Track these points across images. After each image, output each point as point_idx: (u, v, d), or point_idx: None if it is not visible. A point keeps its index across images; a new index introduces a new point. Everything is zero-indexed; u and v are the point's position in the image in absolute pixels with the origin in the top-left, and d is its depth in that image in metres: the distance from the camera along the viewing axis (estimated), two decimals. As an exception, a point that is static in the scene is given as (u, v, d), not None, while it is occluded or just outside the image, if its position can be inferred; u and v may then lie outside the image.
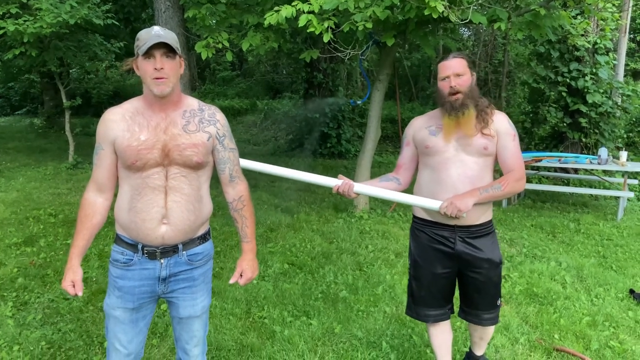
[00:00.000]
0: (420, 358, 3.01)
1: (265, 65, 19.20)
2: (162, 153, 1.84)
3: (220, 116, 2.00)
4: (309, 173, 2.53)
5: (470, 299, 2.50)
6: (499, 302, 2.50)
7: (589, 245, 5.31)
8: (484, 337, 2.68)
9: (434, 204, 2.28)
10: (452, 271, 2.46)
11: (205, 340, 2.18)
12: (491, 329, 2.64)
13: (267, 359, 2.97)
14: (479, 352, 2.77)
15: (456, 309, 2.63)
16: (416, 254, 2.51)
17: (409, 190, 2.50)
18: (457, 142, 2.32)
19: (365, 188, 2.44)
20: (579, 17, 7.56)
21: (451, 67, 2.30)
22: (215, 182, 2.04)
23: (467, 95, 2.29)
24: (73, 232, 1.95)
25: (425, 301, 2.51)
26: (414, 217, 2.55)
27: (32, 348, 3.01)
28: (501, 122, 2.35)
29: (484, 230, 2.40)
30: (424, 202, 2.32)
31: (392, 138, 12.92)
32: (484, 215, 2.38)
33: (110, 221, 2.00)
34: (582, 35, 7.68)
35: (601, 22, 7.76)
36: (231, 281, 2.08)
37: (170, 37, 1.81)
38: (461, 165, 2.32)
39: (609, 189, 7.40)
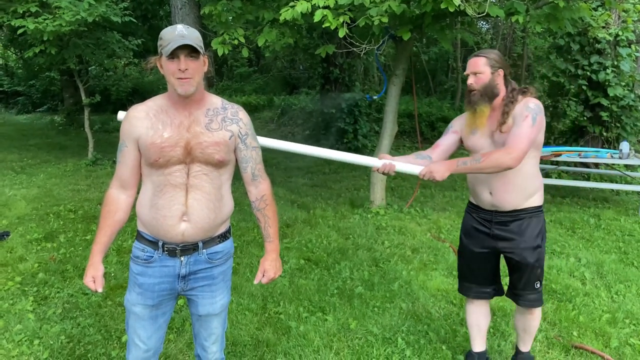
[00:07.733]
0: (436, 354, 3.00)
1: (282, 61, 19.18)
2: (185, 151, 1.86)
3: (243, 115, 2.00)
4: (350, 153, 2.61)
5: (511, 279, 2.67)
6: (537, 285, 2.59)
7: (610, 241, 5.22)
8: (527, 329, 2.74)
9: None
10: (491, 252, 2.64)
11: (224, 337, 2.20)
12: (534, 321, 2.71)
13: (283, 355, 2.98)
14: (524, 348, 2.81)
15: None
16: (462, 232, 2.76)
17: None
18: (490, 139, 2.49)
19: (404, 166, 2.52)
20: (599, 8, 7.41)
21: (470, 66, 2.49)
22: (233, 180, 2.04)
23: (481, 92, 2.45)
24: (92, 228, 1.98)
25: (466, 276, 2.76)
26: (469, 201, 2.77)
27: (52, 342, 3.06)
28: (518, 107, 2.41)
29: (522, 215, 2.51)
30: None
31: (409, 133, 12.83)
32: (526, 202, 2.50)
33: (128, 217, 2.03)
34: (603, 27, 7.52)
35: (623, 13, 7.59)
36: (255, 281, 2.10)
37: (194, 36, 1.80)
38: None
39: (630, 183, 7.26)
